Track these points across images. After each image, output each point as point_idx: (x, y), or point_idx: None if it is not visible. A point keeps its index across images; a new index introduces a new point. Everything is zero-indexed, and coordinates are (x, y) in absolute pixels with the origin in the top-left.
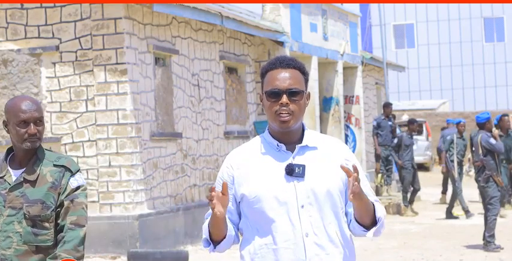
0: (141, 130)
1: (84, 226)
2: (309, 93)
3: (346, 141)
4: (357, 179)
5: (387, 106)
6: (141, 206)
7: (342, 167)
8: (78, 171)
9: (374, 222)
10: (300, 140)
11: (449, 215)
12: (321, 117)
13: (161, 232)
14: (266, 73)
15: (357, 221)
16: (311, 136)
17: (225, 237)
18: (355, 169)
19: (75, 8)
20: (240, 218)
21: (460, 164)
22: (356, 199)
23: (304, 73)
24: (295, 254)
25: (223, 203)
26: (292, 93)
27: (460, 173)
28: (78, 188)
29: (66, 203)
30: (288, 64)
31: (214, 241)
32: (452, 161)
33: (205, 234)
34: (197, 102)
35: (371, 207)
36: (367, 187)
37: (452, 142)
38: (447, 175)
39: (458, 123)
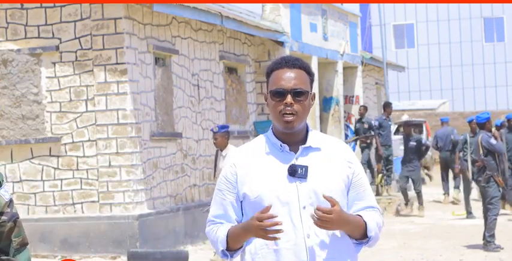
0: (141, 130)
1: (28, 243)
2: (314, 94)
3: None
4: (326, 217)
5: (387, 105)
6: (141, 206)
7: (325, 197)
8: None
9: (367, 236)
10: (304, 141)
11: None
12: (321, 117)
13: (161, 232)
14: (271, 72)
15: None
16: (315, 137)
17: (242, 246)
18: (333, 203)
19: (75, 8)
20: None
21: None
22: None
23: (310, 74)
24: (296, 255)
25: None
26: (297, 93)
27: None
28: (11, 201)
29: (9, 224)
30: (294, 64)
31: (231, 250)
32: (466, 160)
33: (222, 245)
34: (197, 102)
35: (359, 226)
36: (367, 191)
37: (465, 141)
38: (445, 175)
39: (470, 121)
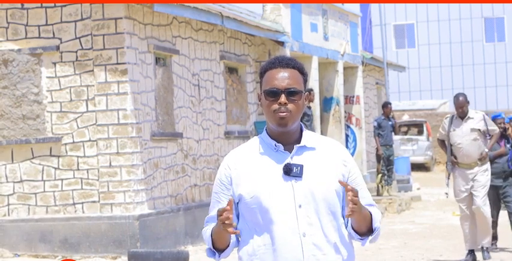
0: (141, 130)
1: None
2: (307, 94)
3: (347, 141)
4: (356, 200)
5: (385, 105)
6: (142, 206)
7: (340, 182)
8: None
9: (371, 229)
10: (298, 140)
11: None
12: (321, 117)
13: (161, 232)
14: (265, 72)
15: (354, 229)
16: (309, 136)
17: (228, 246)
18: (353, 190)
19: (75, 8)
20: (238, 220)
21: None
22: (355, 216)
23: (303, 74)
24: (292, 254)
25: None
26: (291, 93)
27: None
28: None
29: None
30: (287, 64)
31: (218, 249)
32: None
33: (208, 244)
34: (197, 102)
35: (368, 217)
36: (364, 190)
37: None
38: None
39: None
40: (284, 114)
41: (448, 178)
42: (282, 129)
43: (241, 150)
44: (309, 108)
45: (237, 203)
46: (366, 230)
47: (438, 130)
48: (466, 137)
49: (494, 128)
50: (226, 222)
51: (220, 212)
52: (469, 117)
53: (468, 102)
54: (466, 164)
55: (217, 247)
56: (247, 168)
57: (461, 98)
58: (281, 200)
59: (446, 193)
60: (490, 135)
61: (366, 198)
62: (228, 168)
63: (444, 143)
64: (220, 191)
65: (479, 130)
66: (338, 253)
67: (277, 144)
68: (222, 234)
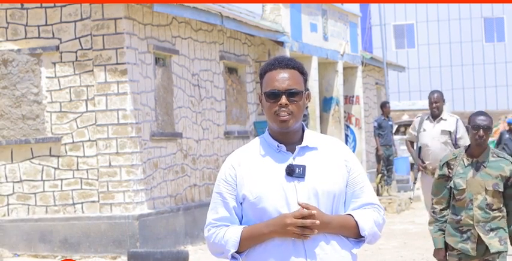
0: (141, 130)
1: None
2: (309, 94)
3: (346, 141)
4: (307, 223)
5: (384, 105)
6: (141, 206)
7: (300, 204)
8: None
9: (361, 236)
10: (300, 140)
11: None
12: (321, 117)
13: (161, 232)
14: (265, 74)
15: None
16: (311, 136)
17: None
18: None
19: (75, 8)
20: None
21: None
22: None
23: (303, 74)
24: (294, 252)
25: None
26: (292, 94)
27: None
28: None
29: None
30: (287, 64)
31: (239, 252)
32: None
33: (233, 248)
34: (197, 102)
35: (345, 226)
36: (365, 187)
37: None
38: None
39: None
40: (285, 117)
41: (414, 183)
42: (284, 130)
43: (243, 151)
44: (306, 108)
45: (241, 203)
46: (354, 236)
47: (408, 131)
48: (435, 140)
49: (462, 138)
50: (311, 226)
51: (304, 216)
52: (441, 118)
53: (444, 101)
54: (433, 171)
55: (241, 250)
56: (251, 169)
57: (436, 94)
58: (284, 201)
59: (410, 198)
60: (456, 143)
61: (366, 197)
62: (232, 168)
63: (413, 145)
64: (226, 191)
65: (450, 132)
66: (340, 253)
67: (279, 145)
68: (270, 236)
